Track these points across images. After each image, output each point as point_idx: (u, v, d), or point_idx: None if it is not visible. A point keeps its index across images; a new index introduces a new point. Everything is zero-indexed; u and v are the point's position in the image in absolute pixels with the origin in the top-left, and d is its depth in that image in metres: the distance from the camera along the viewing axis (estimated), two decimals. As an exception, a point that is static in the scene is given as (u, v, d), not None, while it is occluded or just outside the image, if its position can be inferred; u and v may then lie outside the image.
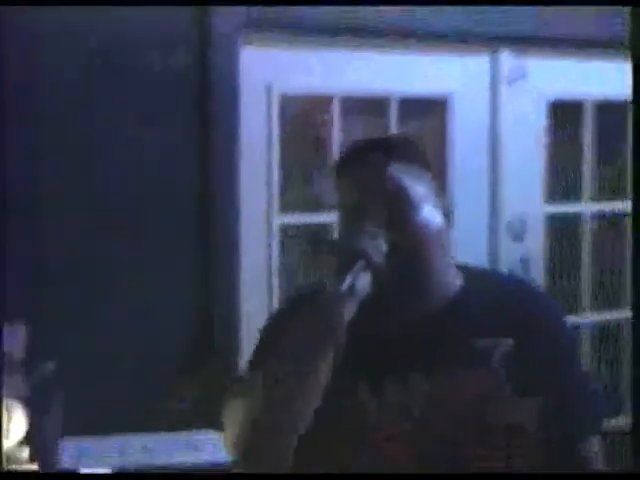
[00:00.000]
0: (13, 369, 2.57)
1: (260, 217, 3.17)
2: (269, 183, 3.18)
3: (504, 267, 3.50)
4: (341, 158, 1.83)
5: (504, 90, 3.50)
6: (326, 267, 1.64)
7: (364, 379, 1.70)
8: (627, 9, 2.46)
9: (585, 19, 3.41)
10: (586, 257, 3.71)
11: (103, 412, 2.68)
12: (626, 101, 3.60)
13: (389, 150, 1.78)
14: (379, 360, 1.71)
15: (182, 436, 2.73)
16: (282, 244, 3.23)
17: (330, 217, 3.16)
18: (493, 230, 3.53)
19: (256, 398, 1.67)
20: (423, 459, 1.69)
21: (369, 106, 3.35)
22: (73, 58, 2.87)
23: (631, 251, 1.78)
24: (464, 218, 3.32)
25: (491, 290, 1.82)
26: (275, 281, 3.20)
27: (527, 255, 3.55)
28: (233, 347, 2.99)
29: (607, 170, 3.71)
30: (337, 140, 3.25)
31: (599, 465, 1.94)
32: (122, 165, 2.90)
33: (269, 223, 3.19)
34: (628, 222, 3.67)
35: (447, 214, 1.77)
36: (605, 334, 3.77)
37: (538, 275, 3.56)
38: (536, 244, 3.58)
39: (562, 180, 3.64)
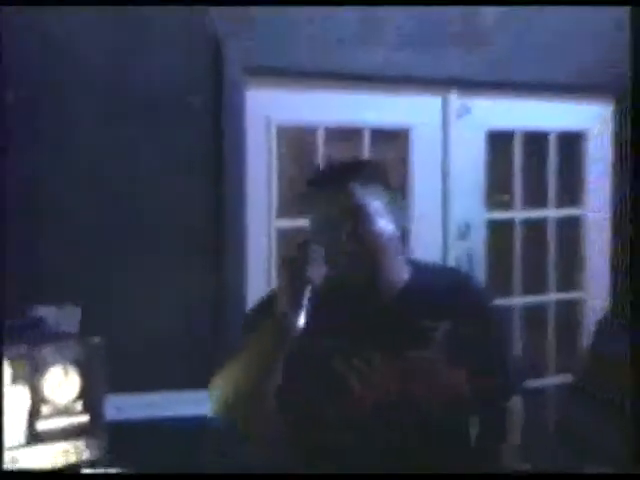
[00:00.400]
0: (68, 340, 2.52)
1: (262, 220, 3.17)
2: (269, 194, 3.17)
3: (454, 260, 3.52)
4: (314, 177, 1.90)
5: (453, 123, 3.51)
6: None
7: (338, 353, 1.78)
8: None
9: (518, 63, 3.44)
10: (516, 252, 3.71)
11: (139, 372, 2.69)
12: (546, 133, 3.70)
13: (353, 172, 1.83)
14: (348, 340, 1.79)
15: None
16: (280, 245, 3.17)
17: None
18: (445, 232, 3.54)
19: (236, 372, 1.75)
20: (380, 408, 1.77)
21: (347, 134, 3.35)
22: (91, 94, 2.80)
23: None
24: (424, 223, 3.43)
25: (433, 281, 1.90)
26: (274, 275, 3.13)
27: (471, 251, 3.57)
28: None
29: (533, 184, 3.72)
30: (322, 161, 3.24)
31: (521, 419, 2.00)
32: (142, 181, 2.86)
33: (269, 226, 3.17)
34: (549, 225, 3.76)
35: (402, 225, 1.84)
36: (531, 314, 3.77)
37: (479, 266, 3.57)
38: (478, 242, 3.59)
39: (498, 193, 3.67)
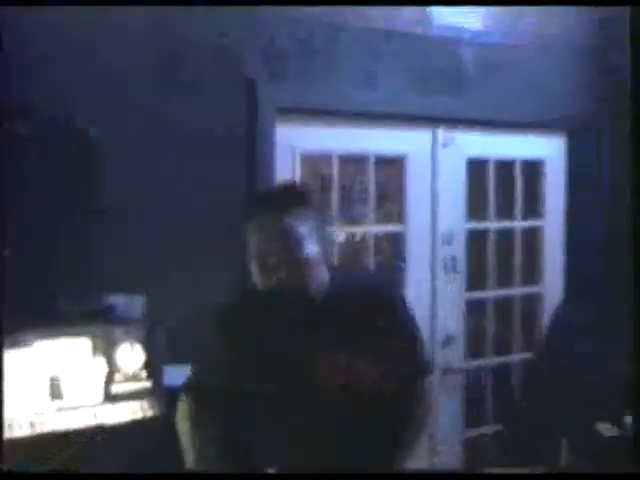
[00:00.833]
0: (134, 323, 2.52)
1: None
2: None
3: (441, 262, 3.51)
4: (248, 206, 1.82)
5: (440, 152, 3.51)
6: None
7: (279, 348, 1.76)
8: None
9: (491, 105, 3.44)
10: (490, 255, 3.70)
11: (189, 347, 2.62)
12: (513, 160, 3.69)
13: (286, 201, 1.75)
14: (287, 336, 1.77)
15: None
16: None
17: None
18: (434, 238, 3.52)
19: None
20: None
21: (356, 161, 3.33)
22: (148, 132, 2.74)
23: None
24: (416, 232, 3.46)
25: (349, 284, 1.85)
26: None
27: (455, 254, 3.56)
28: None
29: (503, 201, 3.72)
30: (336, 183, 3.24)
31: (434, 396, 1.96)
32: (192, 197, 2.80)
33: None
34: (516, 233, 3.76)
35: (326, 245, 1.80)
36: (501, 304, 3.76)
37: (461, 266, 3.57)
38: (460, 247, 3.59)
39: (476, 207, 3.65)
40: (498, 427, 3.58)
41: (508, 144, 3.69)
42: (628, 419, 2.19)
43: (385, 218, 3.48)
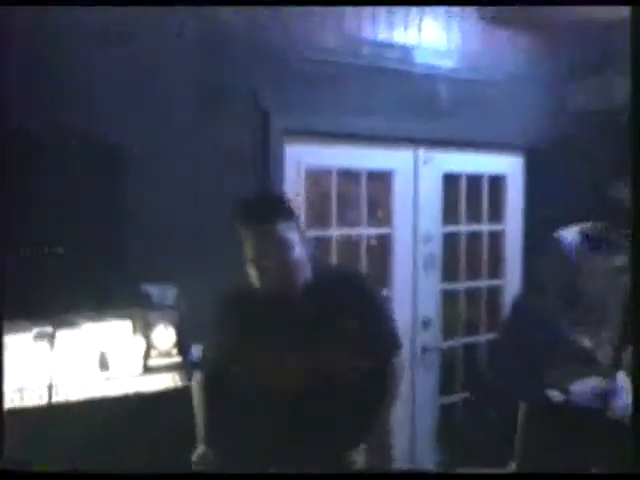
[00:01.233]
0: (167, 309, 2.52)
1: None
2: (299, 213, 3.02)
3: (421, 259, 3.49)
4: (239, 216, 1.72)
5: (421, 168, 3.49)
6: None
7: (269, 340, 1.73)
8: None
9: (463, 129, 3.43)
10: (462, 253, 3.69)
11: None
12: (482, 175, 3.68)
13: (276, 211, 1.71)
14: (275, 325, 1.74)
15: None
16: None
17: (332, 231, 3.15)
18: (415, 239, 3.50)
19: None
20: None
21: (351, 175, 3.31)
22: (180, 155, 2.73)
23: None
24: (400, 233, 3.44)
25: (327, 279, 1.81)
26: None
27: (432, 252, 3.54)
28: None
29: (472, 208, 3.70)
30: (335, 193, 3.21)
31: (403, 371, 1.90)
32: (216, 203, 2.73)
33: None
34: (483, 235, 3.74)
35: (310, 249, 1.76)
36: (470, 293, 3.75)
37: (438, 262, 3.55)
38: (437, 247, 3.57)
39: (450, 213, 3.63)
40: (467, 395, 3.57)
41: (477, 162, 3.68)
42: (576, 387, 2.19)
43: (375, 222, 3.47)
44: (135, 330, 2.46)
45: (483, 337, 3.75)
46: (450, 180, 3.59)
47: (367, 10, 3.13)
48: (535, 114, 3.65)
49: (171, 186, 2.72)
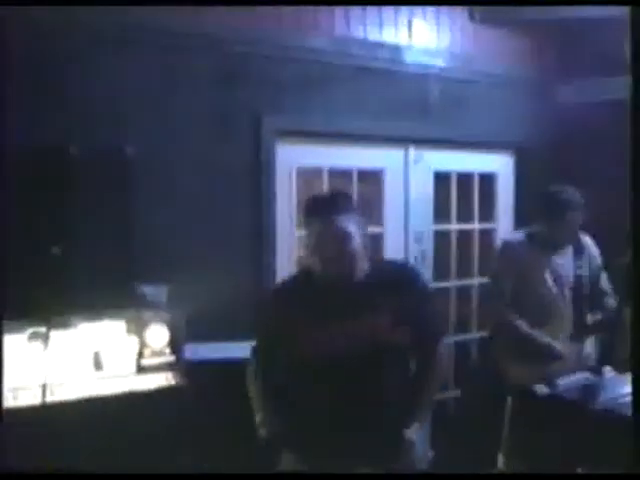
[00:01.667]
0: (161, 308, 2.53)
1: (287, 230, 3.12)
2: (291, 212, 3.13)
3: (413, 257, 3.51)
4: (309, 208, 1.79)
5: (411, 167, 3.51)
6: None
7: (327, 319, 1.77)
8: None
9: (454, 128, 3.44)
10: (453, 251, 3.70)
11: (206, 328, 2.60)
12: (472, 173, 3.69)
13: (337, 205, 1.77)
14: (335, 308, 1.78)
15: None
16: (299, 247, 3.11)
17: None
18: (407, 237, 3.52)
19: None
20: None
21: (342, 174, 3.31)
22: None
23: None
24: (393, 232, 3.45)
25: (382, 269, 1.86)
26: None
27: (424, 250, 3.56)
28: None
29: (463, 207, 3.70)
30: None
31: (449, 359, 1.92)
32: (211, 203, 2.81)
33: (291, 234, 3.13)
34: (474, 233, 3.75)
35: (366, 241, 1.81)
36: (462, 291, 3.75)
37: (429, 261, 3.56)
38: (428, 245, 3.58)
39: (441, 212, 3.64)
40: (458, 391, 3.58)
41: (467, 160, 3.69)
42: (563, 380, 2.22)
43: (367, 221, 3.45)
44: (129, 330, 2.47)
45: (474, 334, 3.75)
46: (441, 179, 3.60)
47: (357, 10, 3.15)
48: (525, 113, 3.67)
49: (167, 187, 2.73)
